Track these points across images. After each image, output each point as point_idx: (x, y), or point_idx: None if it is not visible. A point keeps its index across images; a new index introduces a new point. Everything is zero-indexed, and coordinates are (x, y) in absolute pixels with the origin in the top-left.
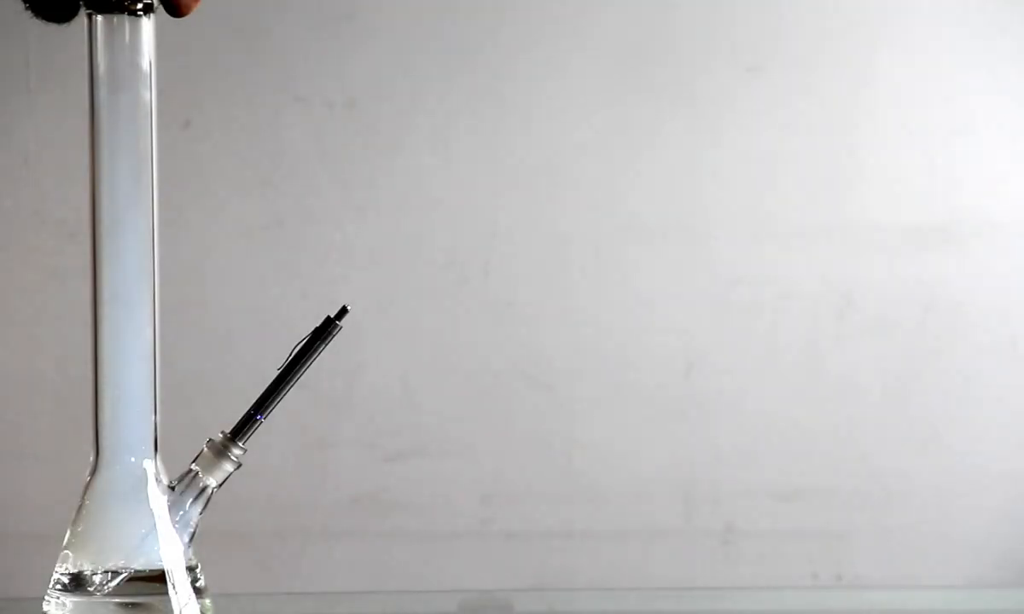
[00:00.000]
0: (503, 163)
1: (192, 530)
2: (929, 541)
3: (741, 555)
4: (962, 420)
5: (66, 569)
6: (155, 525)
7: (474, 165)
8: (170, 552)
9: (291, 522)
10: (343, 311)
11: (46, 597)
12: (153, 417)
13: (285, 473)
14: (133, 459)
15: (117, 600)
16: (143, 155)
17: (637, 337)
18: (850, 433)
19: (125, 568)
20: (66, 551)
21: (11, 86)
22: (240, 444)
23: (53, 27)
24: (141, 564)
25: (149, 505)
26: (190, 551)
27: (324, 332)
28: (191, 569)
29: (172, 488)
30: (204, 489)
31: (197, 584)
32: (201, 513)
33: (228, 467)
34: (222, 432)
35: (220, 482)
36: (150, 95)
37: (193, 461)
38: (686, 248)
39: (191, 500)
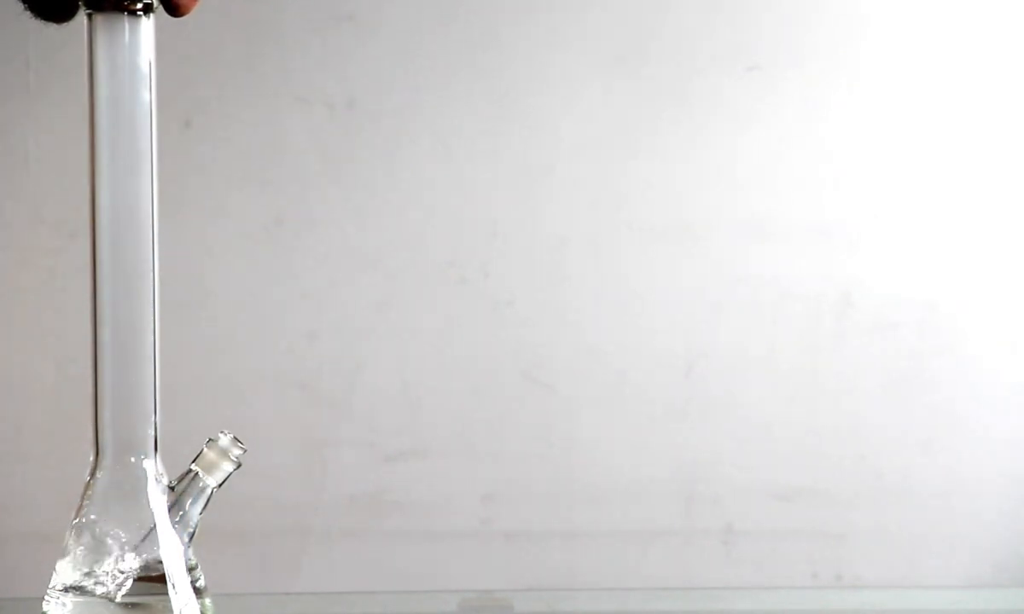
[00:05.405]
0: (503, 163)
1: (192, 530)
2: (929, 541)
3: (741, 555)
4: (962, 420)
5: (66, 569)
6: (155, 525)
7: (474, 165)
8: (170, 552)
9: (291, 522)
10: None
11: (46, 597)
12: (153, 417)
13: (285, 473)
14: (133, 459)
15: (117, 600)
16: (143, 155)
17: (637, 337)
18: (850, 433)
19: (125, 568)
20: (66, 551)
21: (11, 86)
22: (240, 444)
23: (53, 27)
24: (141, 564)
25: (149, 505)
26: (190, 551)
27: None
28: (191, 569)
29: (172, 488)
30: (204, 489)
31: (197, 584)
32: (201, 513)
33: (228, 467)
34: (222, 432)
35: (220, 482)
36: (150, 95)
37: (193, 461)
38: (686, 248)
39: (191, 500)
